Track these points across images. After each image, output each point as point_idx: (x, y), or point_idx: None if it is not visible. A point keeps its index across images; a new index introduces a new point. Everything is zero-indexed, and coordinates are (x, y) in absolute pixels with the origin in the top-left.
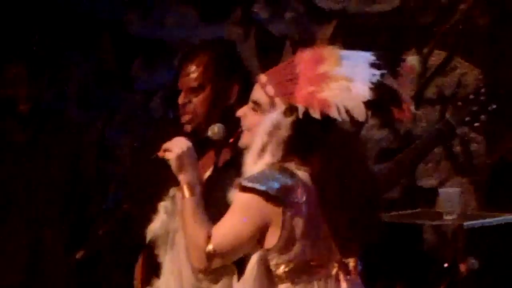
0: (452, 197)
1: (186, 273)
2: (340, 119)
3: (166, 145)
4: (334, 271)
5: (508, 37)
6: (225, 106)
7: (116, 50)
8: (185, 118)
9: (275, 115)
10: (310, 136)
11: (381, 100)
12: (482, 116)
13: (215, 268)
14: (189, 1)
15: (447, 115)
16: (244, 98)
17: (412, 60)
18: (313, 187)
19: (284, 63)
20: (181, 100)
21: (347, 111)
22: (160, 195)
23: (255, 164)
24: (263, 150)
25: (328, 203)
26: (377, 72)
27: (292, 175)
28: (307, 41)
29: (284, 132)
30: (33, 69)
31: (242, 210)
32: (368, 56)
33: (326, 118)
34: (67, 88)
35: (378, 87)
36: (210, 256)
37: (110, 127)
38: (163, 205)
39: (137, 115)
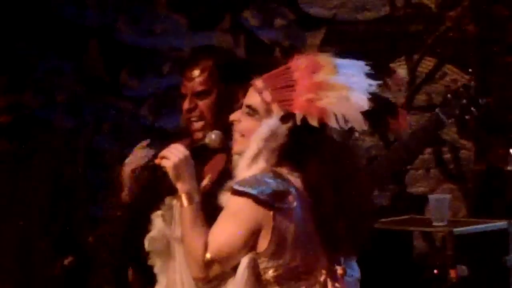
0: (441, 203)
1: (187, 281)
2: (338, 128)
3: (163, 152)
4: (322, 278)
5: (497, 44)
6: (233, 111)
7: (105, 57)
8: (194, 124)
9: (272, 122)
10: (305, 143)
11: (378, 110)
12: (473, 109)
13: (214, 276)
14: (178, 8)
15: (437, 110)
16: None
17: (401, 72)
18: (305, 192)
19: (280, 69)
20: (186, 105)
21: (345, 120)
22: (155, 202)
23: (248, 169)
24: (257, 156)
25: (321, 209)
26: (374, 83)
27: (285, 180)
28: (297, 49)
29: (280, 139)
30: (14, 78)
31: (235, 215)
32: (362, 66)
33: (322, 126)
34: (55, 95)
35: (375, 98)
36: (208, 264)
37: (99, 135)
38: (160, 214)
39: (126, 122)
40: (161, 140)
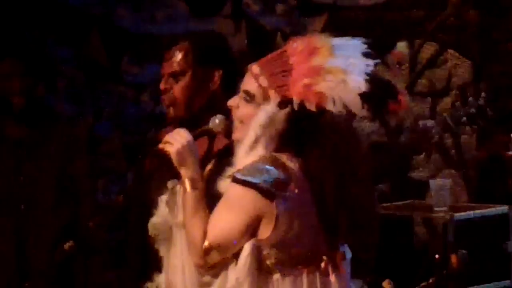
0: (442, 189)
1: (188, 267)
2: (336, 112)
3: (167, 137)
4: (323, 265)
5: (498, 29)
6: (210, 93)
7: (106, 44)
8: (167, 103)
9: (269, 108)
10: (304, 129)
11: (377, 92)
12: (480, 122)
13: (215, 262)
14: None
15: (445, 114)
16: (229, 85)
17: (401, 47)
18: (305, 179)
19: (276, 54)
20: (162, 85)
21: (343, 104)
22: (158, 188)
23: (247, 156)
24: (256, 142)
25: (321, 195)
26: (371, 63)
27: (285, 167)
28: (298, 35)
29: (279, 125)
30: (27, 63)
31: (235, 203)
32: (359, 45)
33: (320, 111)
34: (57, 82)
35: (373, 79)
36: (207, 251)
37: (100, 121)
38: (163, 199)
39: (127, 109)
40: (162, 127)
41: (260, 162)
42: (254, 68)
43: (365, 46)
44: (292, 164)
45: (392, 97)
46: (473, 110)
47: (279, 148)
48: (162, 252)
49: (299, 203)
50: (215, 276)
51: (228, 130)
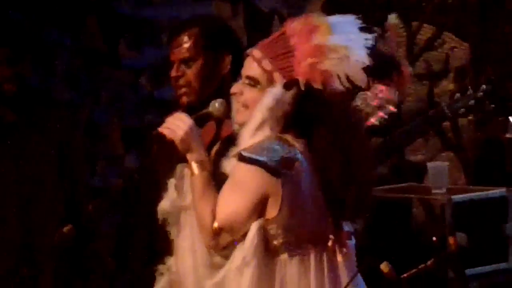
0: (440, 171)
1: (200, 249)
2: (342, 88)
3: (167, 122)
4: (329, 244)
5: (496, 12)
6: (220, 78)
7: (104, 28)
8: (181, 90)
9: (276, 90)
10: (310, 110)
11: (380, 64)
12: (478, 114)
13: (226, 243)
14: None
15: (443, 104)
16: (237, 70)
17: (392, 18)
18: (310, 159)
19: (275, 36)
20: (174, 72)
21: (348, 79)
22: (166, 171)
23: (253, 137)
24: (262, 124)
25: (327, 175)
26: (369, 36)
27: (291, 146)
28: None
29: (285, 107)
30: (17, 48)
31: (242, 183)
32: (354, 21)
33: (326, 91)
34: (55, 67)
35: (374, 52)
36: (217, 232)
37: (98, 106)
38: (172, 183)
39: (125, 93)
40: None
41: (266, 141)
42: (255, 52)
43: (360, 21)
44: (298, 144)
45: (395, 69)
46: (472, 102)
47: (284, 129)
48: (173, 235)
49: (306, 182)
50: (226, 257)
51: (227, 114)
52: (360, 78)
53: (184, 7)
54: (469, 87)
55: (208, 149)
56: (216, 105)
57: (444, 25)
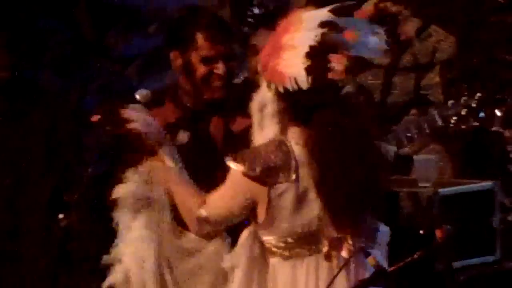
0: (427, 164)
1: (167, 236)
2: (291, 89)
3: (136, 117)
4: (325, 249)
5: (483, 4)
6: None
7: (93, 18)
8: (217, 85)
9: (260, 92)
10: (301, 105)
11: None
12: (473, 122)
13: (206, 233)
14: None
15: (434, 112)
16: None
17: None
18: (309, 163)
19: (270, 36)
20: (223, 69)
21: (295, 81)
22: (132, 160)
23: (260, 133)
24: (260, 125)
25: (326, 177)
26: (325, 29)
27: (287, 152)
28: (282, 9)
29: (274, 105)
30: (11, 37)
31: (232, 184)
32: (323, 14)
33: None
34: (43, 56)
35: (319, 43)
36: (200, 221)
37: (86, 95)
38: (138, 171)
39: (113, 83)
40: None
41: (262, 146)
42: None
43: (329, 14)
44: (298, 147)
45: (335, 51)
46: (464, 111)
47: (285, 128)
48: (123, 224)
49: (298, 187)
50: (200, 247)
51: (149, 103)
52: (302, 79)
53: None
54: (465, 93)
55: (223, 144)
56: (143, 93)
57: (430, 18)
